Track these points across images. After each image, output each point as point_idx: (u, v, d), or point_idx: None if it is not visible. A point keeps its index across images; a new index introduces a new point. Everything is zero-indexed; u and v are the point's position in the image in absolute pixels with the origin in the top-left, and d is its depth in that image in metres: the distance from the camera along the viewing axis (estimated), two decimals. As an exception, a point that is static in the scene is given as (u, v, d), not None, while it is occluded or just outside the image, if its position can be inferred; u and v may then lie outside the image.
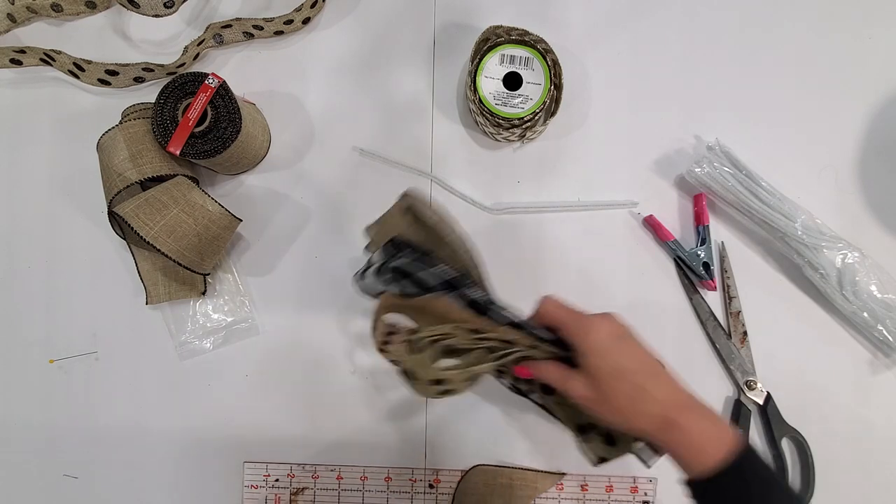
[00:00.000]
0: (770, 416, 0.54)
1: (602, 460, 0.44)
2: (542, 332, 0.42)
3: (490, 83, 0.53)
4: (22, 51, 0.56)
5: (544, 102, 0.53)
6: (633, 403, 0.38)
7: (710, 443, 0.36)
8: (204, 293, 0.57)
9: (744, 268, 0.56)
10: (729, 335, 0.56)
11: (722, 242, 0.56)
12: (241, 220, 0.54)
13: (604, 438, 0.44)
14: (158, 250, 0.49)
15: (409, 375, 0.45)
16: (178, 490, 0.57)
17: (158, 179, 0.52)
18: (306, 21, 0.59)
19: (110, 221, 0.53)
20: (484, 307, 0.42)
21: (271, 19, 0.57)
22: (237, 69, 0.59)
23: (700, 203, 0.56)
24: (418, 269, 0.42)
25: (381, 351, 0.45)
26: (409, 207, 0.44)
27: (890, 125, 0.57)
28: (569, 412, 0.46)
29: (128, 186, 0.51)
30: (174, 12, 0.55)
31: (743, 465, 0.36)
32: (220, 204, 0.53)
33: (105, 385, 0.58)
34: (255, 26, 0.57)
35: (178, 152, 0.51)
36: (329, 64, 0.59)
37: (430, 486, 0.56)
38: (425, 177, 0.58)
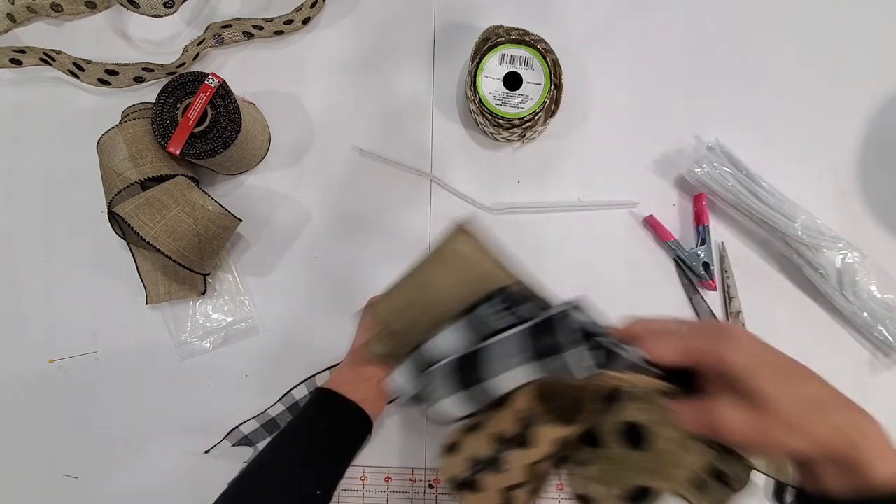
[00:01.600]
0: (770, 416, 0.54)
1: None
2: (653, 369, 0.32)
3: (490, 83, 0.53)
4: (22, 51, 0.56)
5: (544, 102, 0.53)
6: (811, 412, 0.31)
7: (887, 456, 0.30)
8: (204, 293, 0.57)
9: (744, 268, 0.56)
10: (729, 335, 0.55)
11: (722, 242, 0.56)
12: (241, 220, 0.54)
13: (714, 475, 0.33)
14: (158, 250, 0.49)
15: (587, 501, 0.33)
16: (178, 490, 0.57)
17: (158, 179, 0.52)
18: (306, 21, 0.59)
19: (110, 221, 0.53)
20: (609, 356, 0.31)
21: (271, 19, 0.57)
22: (237, 69, 0.59)
23: (700, 203, 0.56)
24: (612, 343, 0.31)
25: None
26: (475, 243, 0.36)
27: (890, 125, 0.57)
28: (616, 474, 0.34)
29: (128, 186, 0.51)
30: (174, 12, 0.55)
31: None
32: (220, 204, 0.53)
33: (105, 385, 0.57)
34: (255, 26, 0.57)
35: (177, 152, 0.51)
36: (329, 64, 0.59)
37: (430, 486, 0.56)
38: (425, 177, 0.58)
